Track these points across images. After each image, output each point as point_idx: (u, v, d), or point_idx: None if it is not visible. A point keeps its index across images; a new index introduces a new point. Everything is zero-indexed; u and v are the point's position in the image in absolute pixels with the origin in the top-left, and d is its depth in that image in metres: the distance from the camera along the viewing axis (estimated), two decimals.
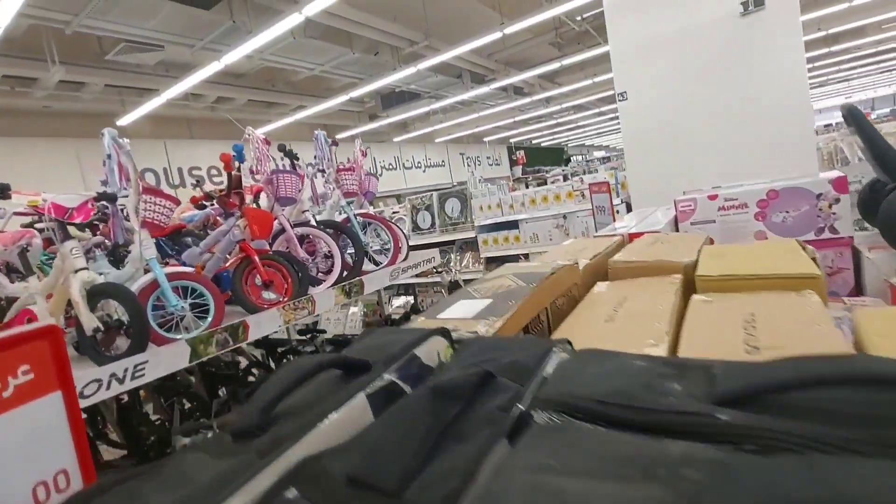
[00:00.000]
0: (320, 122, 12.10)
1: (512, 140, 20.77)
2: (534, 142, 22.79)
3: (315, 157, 2.81)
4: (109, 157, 1.73)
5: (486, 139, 19.37)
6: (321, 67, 8.09)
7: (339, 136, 12.69)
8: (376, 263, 2.93)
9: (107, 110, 8.15)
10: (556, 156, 23.86)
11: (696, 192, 2.03)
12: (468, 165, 18.32)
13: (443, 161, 17.32)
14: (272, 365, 3.24)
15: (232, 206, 2.25)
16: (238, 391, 2.69)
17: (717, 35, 3.17)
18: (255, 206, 2.46)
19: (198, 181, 3.97)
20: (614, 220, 2.40)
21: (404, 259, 3.04)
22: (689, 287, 1.04)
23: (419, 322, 0.97)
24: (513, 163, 20.23)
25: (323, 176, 2.85)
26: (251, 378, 3.05)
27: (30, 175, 7.10)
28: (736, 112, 3.14)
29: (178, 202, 2.00)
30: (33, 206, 1.67)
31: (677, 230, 1.96)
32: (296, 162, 2.68)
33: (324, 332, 3.24)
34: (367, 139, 13.13)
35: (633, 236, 1.71)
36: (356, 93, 9.26)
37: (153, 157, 9.08)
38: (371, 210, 3.11)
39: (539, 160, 20.91)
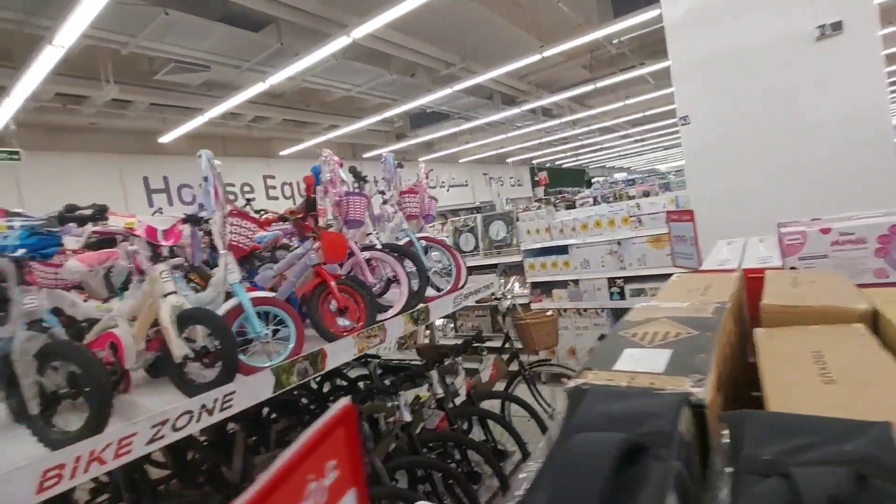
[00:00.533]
0: (349, 140, 12.26)
1: (534, 161, 20.78)
2: (556, 163, 22.78)
3: (382, 179, 2.78)
4: (206, 179, 1.70)
5: (508, 160, 19.41)
6: (357, 88, 8.19)
7: (365, 155, 12.83)
8: (437, 289, 2.86)
9: (149, 128, 8.35)
10: (578, 177, 23.78)
11: (798, 223, 1.92)
12: (490, 185, 18.34)
13: (466, 181, 17.36)
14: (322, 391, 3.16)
15: (308, 230, 2.21)
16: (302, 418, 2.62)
17: (789, 58, 3.08)
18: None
19: (248, 200, 3.97)
20: (698, 253, 2.30)
21: (463, 285, 2.97)
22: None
23: (590, 376, 0.89)
24: (535, 183, 20.20)
25: (382, 197, 2.81)
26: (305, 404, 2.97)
27: (73, 190, 7.26)
28: (810, 138, 3.04)
29: (261, 225, 1.96)
30: (129, 227, 1.64)
31: (783, 265, 1.85)
32: (363, 184, 2.65)
33: (377, 357, 3.16)
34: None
35: (749, 272, 1.61)
36: (388, 113, 9.37)
37: (189, 174, 9.24)
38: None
39: (561, 181, 20.86)
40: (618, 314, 4.17)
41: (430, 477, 2.39)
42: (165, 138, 8.34)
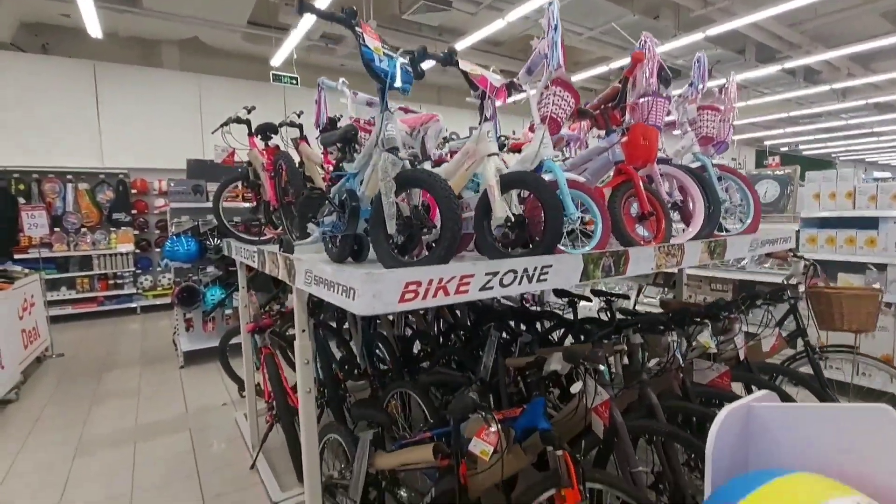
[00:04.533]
0: None
1: (767, 142, 17.38)
2: (795, 146, 18.68)
3: (690, 84, 2.34)
4: (556, 28, 1.53)
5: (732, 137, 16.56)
6: (589, 33, 7.62)
7: None
8: (723, 229, 2.36)
9: None
10: (821, 169, 19.16)
11: None
12: None
13: None
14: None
15: (616, 121, 1.93)
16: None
17: None
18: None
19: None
20: None
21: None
22: None
23: None
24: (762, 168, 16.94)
25: (685, 106, 2.37)
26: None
27: None
28: None
29: (578, 97, 1.74)
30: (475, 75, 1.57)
31: None
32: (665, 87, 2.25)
33: (626, 296, 2.81)
34: None
35: None
36: (611, 65, 8.59)
37: None
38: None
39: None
40: None
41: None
42: None
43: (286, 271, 1.70)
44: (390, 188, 1.34)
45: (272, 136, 2.55)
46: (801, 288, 2.66)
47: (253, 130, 2.61)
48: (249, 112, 2.78)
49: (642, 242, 1.81)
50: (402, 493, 1.65)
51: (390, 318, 3.63)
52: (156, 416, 3.62)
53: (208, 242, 4.65)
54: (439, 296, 1.22)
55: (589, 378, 1.66)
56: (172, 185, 4.70)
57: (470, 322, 3.12)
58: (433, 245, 1.59)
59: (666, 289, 4.83)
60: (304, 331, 1.69)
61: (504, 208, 1.48)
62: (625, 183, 1.84)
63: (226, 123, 2.76)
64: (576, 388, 1.64)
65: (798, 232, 3.73)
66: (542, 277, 1.45)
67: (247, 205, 4.72)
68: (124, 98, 7.48)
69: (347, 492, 1.88)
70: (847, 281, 3.46)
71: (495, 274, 1.33)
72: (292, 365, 3.64)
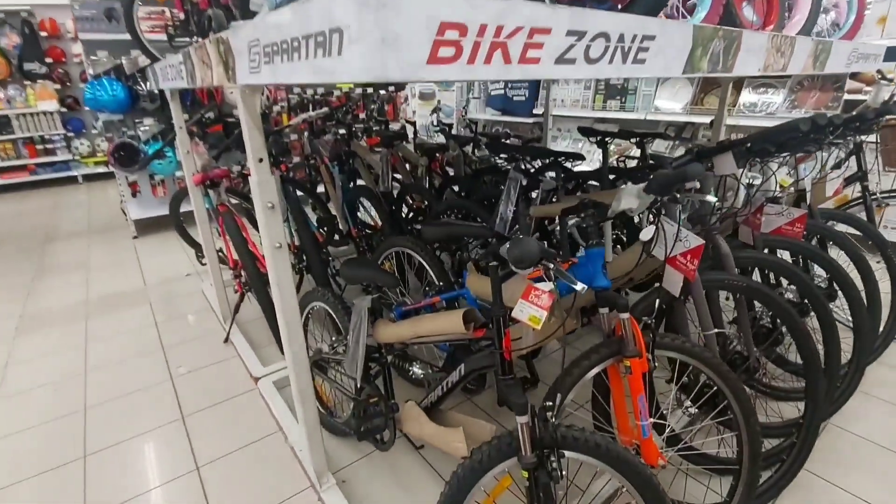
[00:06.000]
0: None
1: None
2: None
3: None
4: None
5: None
6: None
7: None
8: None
9: None
10: None
11: None
12: None
13: None
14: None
15: None
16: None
17: None
18: None
19: None
20: None
21: None
22: None
23: None
24: None
25: None
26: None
27: None
28: None
29: None
30: None
31: None
32: None
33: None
34: None
35: None
36: None
37: None
38: None
39: None
40: None
41: None
42: None
43: (222, 68, 1.09)
44: None
45: None
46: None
47: None
48: None
49: (751, 27, 1.25)
50: (416, 369, 1.30)
51: (373, 171, 3.08)
52: (110, 289, 3.17)
53: (140, 88, 3.78)
54: (494, 60, 0.68)
55: (667, 219, 1.22)
56: (77, 7, 3.62)
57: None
58: None
59: (676, 142, 4.36)
60: (261, 160, 1.15)
61: None
62: None
63: None
64: (647, 233, 1.21)
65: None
66: (639, 56, 0.90)
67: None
68: None
69: (341, 367, 1.53)
70: None
71: (580, 36, 0.78)
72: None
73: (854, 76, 2.77)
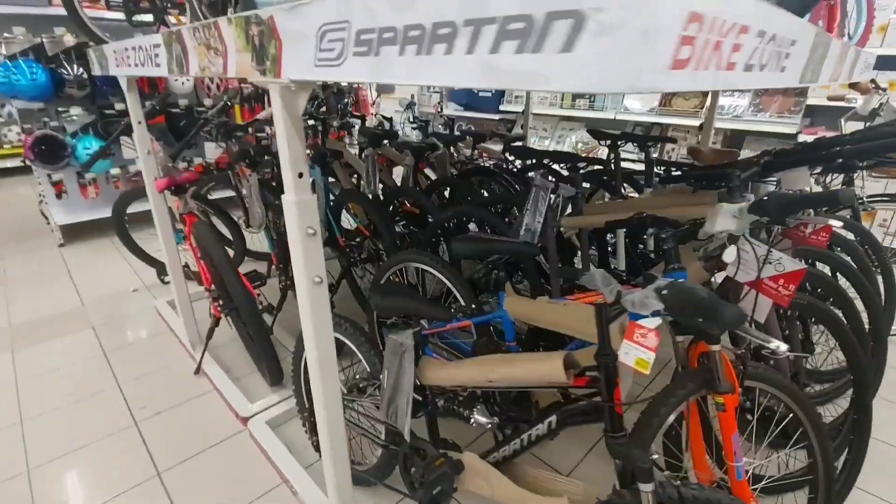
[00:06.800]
0: None
1: None
2: None
3: None
4: None
5: None
6: None
7: None
8: None
9: None
10: None
11: None
12: None
13: None
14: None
15: None
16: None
17: None
18: None
19: None
20: None
21: None
22: None
23: None
24: None
25: None
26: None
27: None
28: None
29: None
30: None
31: None
32: None
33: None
34: None
35: None
36: None
37: None
38: None
39: None
40: None
41: None
42: None
43: (251, 55, 0.84)
44: None
45: None
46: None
47: None
48: None
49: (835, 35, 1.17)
50: (479, 416, 1.10)
51: (351, 171, 2.83)
52: (38, 310, 2.68)
53: (65, 72, 3.24)
54: (712, 65, 0.51)
55: (751, 239, 1.11)
56: None
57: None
58: None
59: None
60: (300, 175, 0.90)
61: None
62: None
63: None
64: (730, 255, 1.10)
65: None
66: (781, 63, 0.77)
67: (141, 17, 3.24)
68: None
69: (362, 406, 1.31)
70: None
71: (765, 38, 0.63)
72: (228, 239, 2.79)
73: (853, 85, 2.90)
